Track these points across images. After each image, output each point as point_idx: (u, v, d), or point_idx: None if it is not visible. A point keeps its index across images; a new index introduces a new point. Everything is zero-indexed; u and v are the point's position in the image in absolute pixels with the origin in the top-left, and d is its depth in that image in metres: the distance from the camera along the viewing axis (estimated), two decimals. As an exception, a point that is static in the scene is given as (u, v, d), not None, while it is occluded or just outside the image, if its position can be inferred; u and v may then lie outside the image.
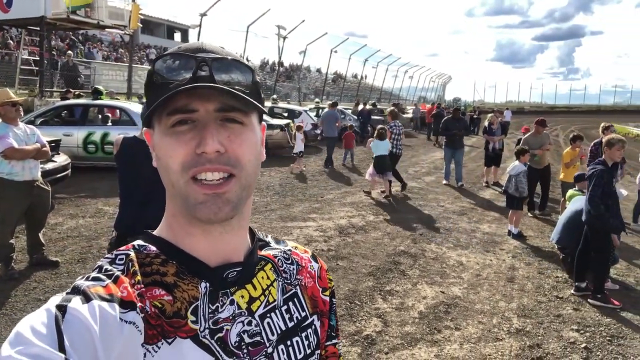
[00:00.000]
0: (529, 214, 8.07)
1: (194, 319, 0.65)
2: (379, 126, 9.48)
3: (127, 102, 11.74)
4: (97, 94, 10.53)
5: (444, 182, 11.06)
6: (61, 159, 7.53)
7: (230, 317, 0.68)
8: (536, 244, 6.57)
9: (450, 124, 10.77)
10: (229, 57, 0.66)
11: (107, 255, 0.68)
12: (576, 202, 5.50)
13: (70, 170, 7.61)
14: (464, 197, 9.70)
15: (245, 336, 0.68)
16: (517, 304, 4.61)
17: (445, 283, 5.05)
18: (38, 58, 15.22)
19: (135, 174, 3.60)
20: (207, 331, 0.65)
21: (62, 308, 0.55)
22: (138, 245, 0.70)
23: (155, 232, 0.73)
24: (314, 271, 0.83)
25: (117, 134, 9.54)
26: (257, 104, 0.67)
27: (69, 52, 17.64)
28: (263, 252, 0.78)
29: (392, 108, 12.66)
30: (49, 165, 6.82)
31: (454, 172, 10.88)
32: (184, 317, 0.64)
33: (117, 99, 12.63)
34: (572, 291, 4.90)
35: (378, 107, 26.28)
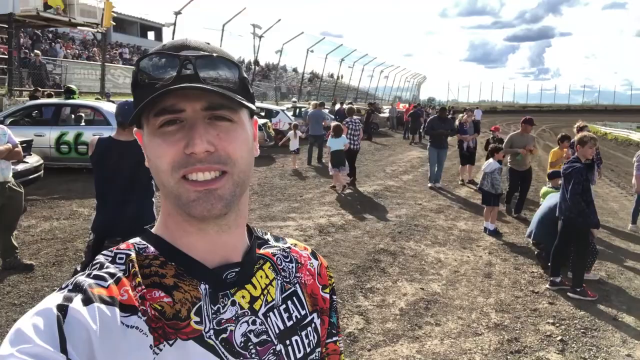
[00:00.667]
0: (513, 215, 8.06)
1: (197, 319, 0.64)
2: (334, 122, 9.86)
3: (100, 102, 11.52)
4: (69, 93, 10.28)
5: (429, 185, 10.60)
6: (33, 160, 7.34)
7: (234, 318, 0.67)
8: (512, 240, 6.72)
9: (436, 123, 10.51)
10: (214, 54, 0.65)
11: (106, 253, 0.67)
12: (551, 198, 5.65)
13: (42, 171, 7.43)
14: (440, 195, 9.84)
15: (251, 336, 0.68)
16: (495, 299, 4.71)
17: (424, 280, 5.12)
18: (6, 56, 14.78)
19: (112, 174, 3.54)
20: (212, 332, 0.64)
21: (63, 308, 0.55)
22: (138, 245, 0.69)
23: (153, 230, 0.72)
24: (314, 268, 0.83)
25: (91, 134, 9.38)
26: (244, 101, 0.66)
27: (36, 51, 17.12)
28: (262, 251, 0.77)
29: (349, 105, 12.86)
30: (21, 167, 6.65)
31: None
32: (184, 318, 0.63)
33: (112, 101, 12.19)
34: (547, 286, 5.03)
35: (355, 106, 26.37)
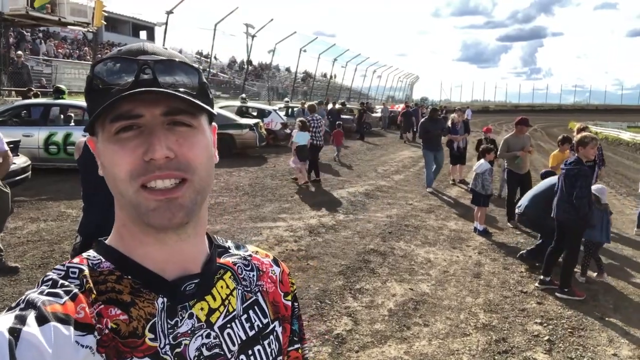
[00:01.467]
0: (509, 224, 7.52)
1: (152, 336, 0.62)
2: (300, 118, 10.28)
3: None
4: (58, 93, 10.19)
5: (428, 189, 10.09)
6: (20, 161, 7.26)
7: (189, 332, 0.65)
8: (501, 240, 6.74)
9: (428, 125, 10.13)
10: (173, 59, 0.64)
11: (57, 267, 0.64)
12: (551, 180, 5.59)
13: (30, 172, 7.36)
14: (431, 195, 9.86)
15: (204, 349, 0.66)
16: (484, 299, 4.72)
17: (413, 280, 5.12)
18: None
19: (98, 177, 3.50)
20: (167, 347, 0.63)
21: (15, 332, 0.51)
22: (91, 260, 0.66)
23: (107, 241, 0.69)
24: (275, 276, 0.81)
25: (80, 135, 9.30)
26: (205, 106, 0.64)
27: (19, 52, 16.81)
28: (222, 260, 0.76)
29: (311, 103, 13.15)
30: (8, 167, 6.57)
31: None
32: (140, 335, 0.61)
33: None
34: (536, 284, 5.05)
35: (347, 106, 26.45)
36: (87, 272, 0.63)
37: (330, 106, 22.19)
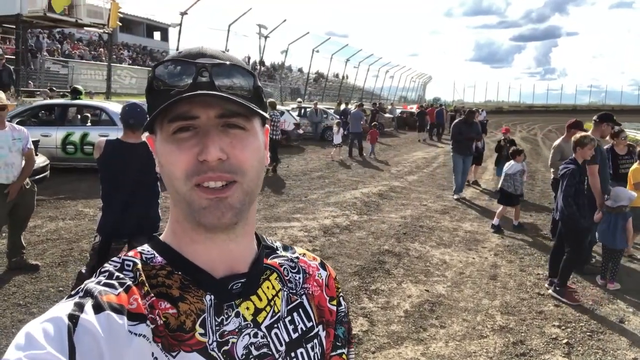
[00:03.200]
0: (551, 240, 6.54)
1: (202, 331, 0.64)
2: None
3: (106, 102, 11.57)
4: (76, 93, 10.34)
5: (454, 197, 9.49)
6: (39, 160, 7.36)
7: (236, 330, 0.67)
8: (517, 242, 6.69)
9: (462, 127, 9.49)
10: (230, 62, 0.66)
11: (114, 260, 0.67)
12: None
13: (49, 171, 7.46)
14: (445, 196, 9.81)
15: (252, 348, 0.67)
16: (500, 301, 4.68)
17: (429, 281, 5.10)
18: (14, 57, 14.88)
19: (119, 176, 3.56)
20: (215, 344, 0.64)
21: (74, 318, 0.55)
22: (145, 254, 0.69)
23: (162, 237, 0.72)
24: (322, 279, 0.82)
25: (97, 134, 9.43)
26: (259, 109, 0.66)
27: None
28: (269, 261, 0.77)
29: (270, 100, 14.02)
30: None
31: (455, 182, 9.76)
32: (188, 330, 0.63)
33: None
34: (546, 285, 5.01)
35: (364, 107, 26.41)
36: (140, 265, 0.66)
37: (342, 106, 22.20)
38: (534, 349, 3.80)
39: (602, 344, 3.93)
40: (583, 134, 5.08)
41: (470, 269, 5.53)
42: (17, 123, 9.00)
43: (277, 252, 0.80)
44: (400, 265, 5.55)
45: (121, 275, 0.64)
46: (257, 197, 0.71)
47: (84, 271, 3.65)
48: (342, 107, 22.13)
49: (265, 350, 0.68)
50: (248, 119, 0.66)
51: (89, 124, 10.21)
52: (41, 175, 7.15)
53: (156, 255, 0.69)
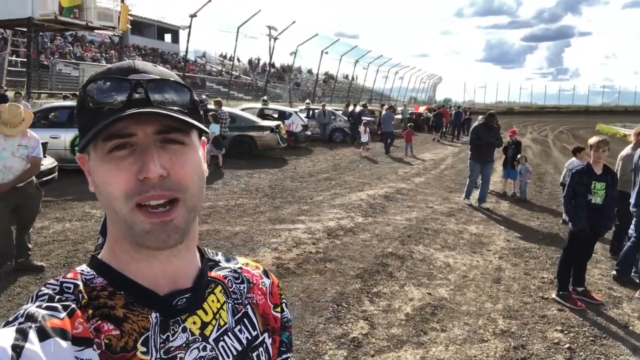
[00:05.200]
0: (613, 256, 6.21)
1: (144, 349, 0.63)
2: (212, 112, 11.84)
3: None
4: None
5: (465, 201, 9.07)
6: (48, 162, 7.45)
7: (184, 345, 0.66)
8: (523, 245, 6.63)
9: (480, 132, 8.88)
10: (165, 78, 0.65)
11: (50, 282, 0.65)
12: None
13: (57, 173, 7.55)
14: (452, 198, 9.76)
15: None
16: (503, 305, 4.65)
17: (432, 284, 5.08)
18: (25, 59, 15.09)
19: None
20: None
21: (17, 348, 0.52)
22: (85, 275, 0.67)
23: (100, 256, 0.70)
24: (266, 287, 0.82)
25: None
26: (197, 123, 0.65)
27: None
28: (213, 274, 0.77)
29: (217, 99, 14.71)
30: (35, 169, 6.77)
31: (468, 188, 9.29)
32: (130, 349, 0.62)
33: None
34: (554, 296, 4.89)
35: (369, 107, 26.40)
36: (81, 287, 0.64)
37: (351, 108, 22.18)
38: (535, 353, 3.76)
39: (605, 349, 3.88)
40: (598, 136, 5.02)
41: (474, 272, 5.50)
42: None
43: (220, 264, 0.80)
44: (403, 268, 5.54)
45: (62, 298, 0.61)
46: (199, 213, 0.70)
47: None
48: (350, 108, 22.11)
49: None
50: (187, 133, 0.65)
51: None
52: (49, 177, 7.24)
53: (96, 275, 0.67)
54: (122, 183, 0.61)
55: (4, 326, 0.56)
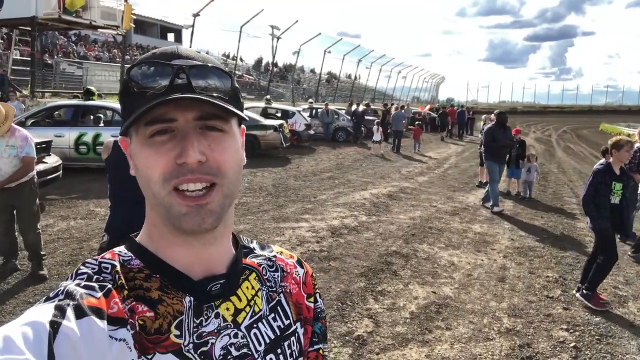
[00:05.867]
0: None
1: (177, 333, 0.64)
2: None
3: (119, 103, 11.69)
4: (89, 94, 10.48)
5: (495, 209, 8.38)
6: (52, 160, 7.49)
7: (215, 331, 0.67)
8: (527, 244, 6.62)
9: (496, 132, 8.52)
10: (207, 64, 0.65)
11: (89, 262, 0.65)
12: None
13: (61, 171, 7.57)
14: (456, 197, 9.75)
15: (232, 349, 0.67)
16: (508, 303, 4.64)
17: (436, 283, 5.07)
18: (29, 58, 15.13)
19: (127, 176, 3.59)
20: (191, 345, 0.64)
21: (55, 324, 0.53)
22: (122, 256, 0.68)
23: (138, 239, 0.71)
24: (299, 277, 0.82)
25: (109, 135, 9.53)
26: (236, 110, 0.66)
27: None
28: (247, 261, 0.77)
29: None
30: (40, 167, 6.77)
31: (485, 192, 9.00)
32: (164, 332, 0.63)
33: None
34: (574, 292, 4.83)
35: (371, 107, 26.41)
36: (118, 268, 0.65)
37: (354, 107, 22.17)
38: (541, 352, 3.75)
39: (611, 347, 3.87)
40: (620, 137, 4.99)
41: (478, 271, 5.49)
42: (31, 124, 9.25)
43: (255, 251, 0.80)
44: (407, 266, 5.53)
45: (100, 278, 0.63)
46: (235, 199, 0.70)
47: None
48: (353, 107, 22.11)
49: (245, 350, 0.69)
50: (226, 120, 0.66)
51: (101, 124, 10.34)
52: (54, 175, 7.27)
53: (133, 257, 0.68)
54: (161, 167, 0.62)
55: (45, 301, 0.57)
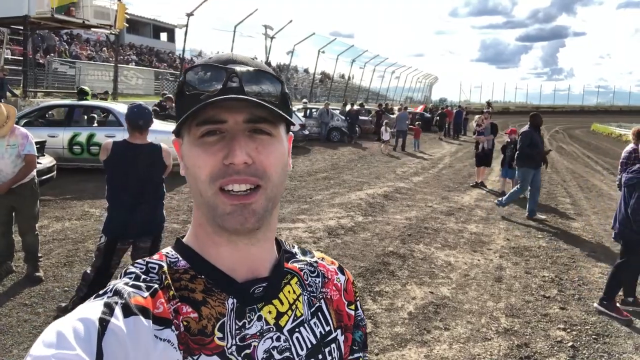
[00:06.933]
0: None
1: (220, 335, 0.65)
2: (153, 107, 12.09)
3: (113, 103, 11.63)
4: (82, 94, 10.40)
5: (542, 216, 8.08)
6: (46, 161, 7.42)
7: (258, 333, 0.67)
8: (523, 244, 6.65)
9: (534, 136, 7.99)
10: (259, 69, 0.67)
11: (138, 262, 0.68)
12: None
13: (55, 172, 7.51)
14: (451, 197, 9.78)
15: (274, 352, 0.68)
16: (505, 303, 4.66)
17: (434, 283, 5.08)
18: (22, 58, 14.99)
19: (126, 177, 3.58)
20: (234, 347, 0.65)
21: (104, 322, 0.55)
22: (169, 258, 0.70)
23: (184, 240, 0.73)
24: (340, 284, 0.82)
25: (103, 135, 9.47)
26: (285, 115, 0.67)
27: None
28: (289, 265, 0.78)
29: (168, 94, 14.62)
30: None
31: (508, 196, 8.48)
32: (209, 334, 0.64)
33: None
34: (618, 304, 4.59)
35: (366, 107, 26.46)
36: (165, 268, 0.67)
37: (348, 107, 22.18)
38: (539, 352, 3.78)
39: (608, 347, 3.90)
40: None
41: (475, 271, 5.51)
42: (25, 124, 9.16)
43: (297, 256, 0.81)
44: (404, 266, 5.54)
45: (147, 278, 0.65)
46: (278, 204, 0.72)
47: (89, 272, 3.67)
48: (347, 107, 22.13)
49: (287, 354, 0.69)
50: (274, 125, 0.67)
51: (95, 124, 10.28)
52: (47, 176, 7.20)
53: (180, 258, 0.70)
54: (208, 167, 0.64)
55: (94, 298, 0.60)
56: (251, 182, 0.64)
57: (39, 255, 4.78)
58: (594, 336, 4.06)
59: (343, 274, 0.84)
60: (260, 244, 0.71)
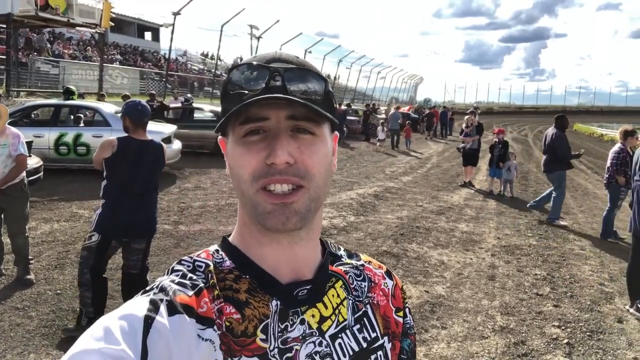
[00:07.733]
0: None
1: (263, 337, 0.63)
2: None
3: (99, 103, 11.46)
4: (68, 94, 10.23)
5: (562, 222, 7.85)
6: (32, 162, 7.26)
7: (300, 337, 0.66)
8: (513, 242, 6.73)
9: (567, 141, 7.89)
10: (303, 67, 0.66)
11: (185, 259, 0.68)
12: None
13: (42, 172, 7.37)
14: (440, 196, 9.85)
15: (316, 357, 0.66)
16: (500, 301, 4.70)
17: (428, 282, 5.11)
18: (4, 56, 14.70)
19: (132, 174, 3.54)
20: (276, 350, 0.64)
21: (149, 319, 0.56)
22: (215, 257, 0.69)
23: (230, 239, 0.72)
24: (388, 289, 0.79)
25: (90, 135, 9.34)
26: (328, 114, 0.66)
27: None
28: (334, 268, 0.76)
29: (126, 93, 14.41)
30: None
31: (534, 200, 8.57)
32: (251, 335, 0.63)
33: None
34: (632, 311, 4.55)
35: (353, 107, 26.55)
36: (212, 267, 0.67)
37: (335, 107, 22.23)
38: (535, 349, 3.82)
39: (602, 343, 3.96)
40: None
41: (468, 270, 5.56)
42: (9, 124, 8.96)
43: (342, 259, 0.79)
44: (399, 266, 5.56)
45: (194, 277, 0.64)
46: (323, 204, 0.70)
47: (84, 275, 3.58)
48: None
49: (328, 359, 0.67)
50: (318, 124, 0.66)
51: (82, 124, 10.12)
52: (34, 177, 7.06)
53: (225, 258, 0.69)
54: (251, 166, 0.64)
55: (141, 294, 0.61)
56: (293, 182, 0.63)
57: (30, 257, 4.68)
58: (588, 333, 4.12)
59: (391, 278, 0.82)
60: (304, 243, 0.69)
